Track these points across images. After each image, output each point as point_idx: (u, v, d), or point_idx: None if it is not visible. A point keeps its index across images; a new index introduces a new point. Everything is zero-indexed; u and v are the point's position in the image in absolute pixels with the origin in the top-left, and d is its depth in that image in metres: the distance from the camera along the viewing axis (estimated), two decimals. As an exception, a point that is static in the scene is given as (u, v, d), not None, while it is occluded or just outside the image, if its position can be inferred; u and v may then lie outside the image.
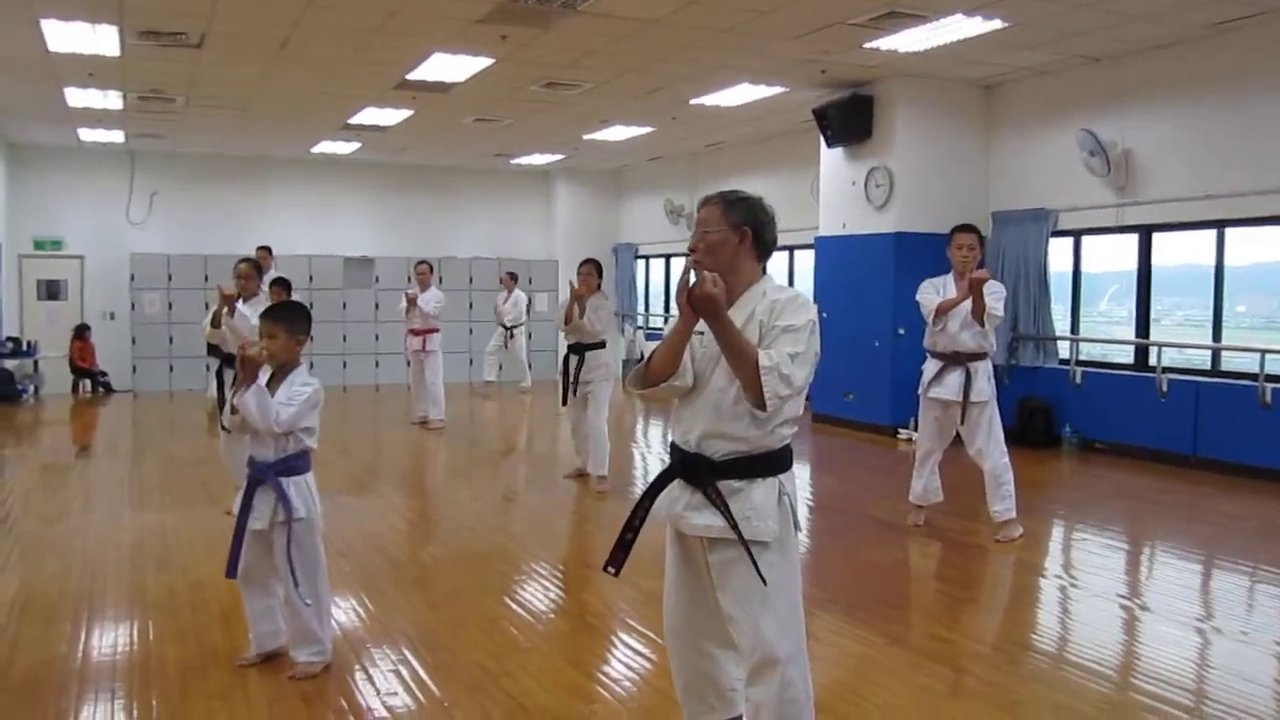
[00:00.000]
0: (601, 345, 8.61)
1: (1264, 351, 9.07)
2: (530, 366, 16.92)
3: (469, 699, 4.16)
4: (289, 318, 4.42)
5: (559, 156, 17.64)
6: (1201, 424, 9.42)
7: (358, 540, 6.76)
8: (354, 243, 18.07)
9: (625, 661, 4.66)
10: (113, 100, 12.19)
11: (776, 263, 14.75)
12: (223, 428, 5.49)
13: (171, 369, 16.40)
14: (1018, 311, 10.89)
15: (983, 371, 6.69)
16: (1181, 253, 10.22)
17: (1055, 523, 7.67)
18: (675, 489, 3.18)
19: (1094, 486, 9.05)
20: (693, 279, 2.96)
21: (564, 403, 8.80)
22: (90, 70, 10.57)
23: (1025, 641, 5.06)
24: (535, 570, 6.20)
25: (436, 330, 12.26)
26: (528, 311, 16.61)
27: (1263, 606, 5.77)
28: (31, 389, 15.35)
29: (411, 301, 12.05)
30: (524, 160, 18.00)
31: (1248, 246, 9.62)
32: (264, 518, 4.33)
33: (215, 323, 7.28)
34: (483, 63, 10.27)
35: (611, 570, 3.28)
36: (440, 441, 11.46)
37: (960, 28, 8.94)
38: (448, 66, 10.46)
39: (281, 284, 9.48)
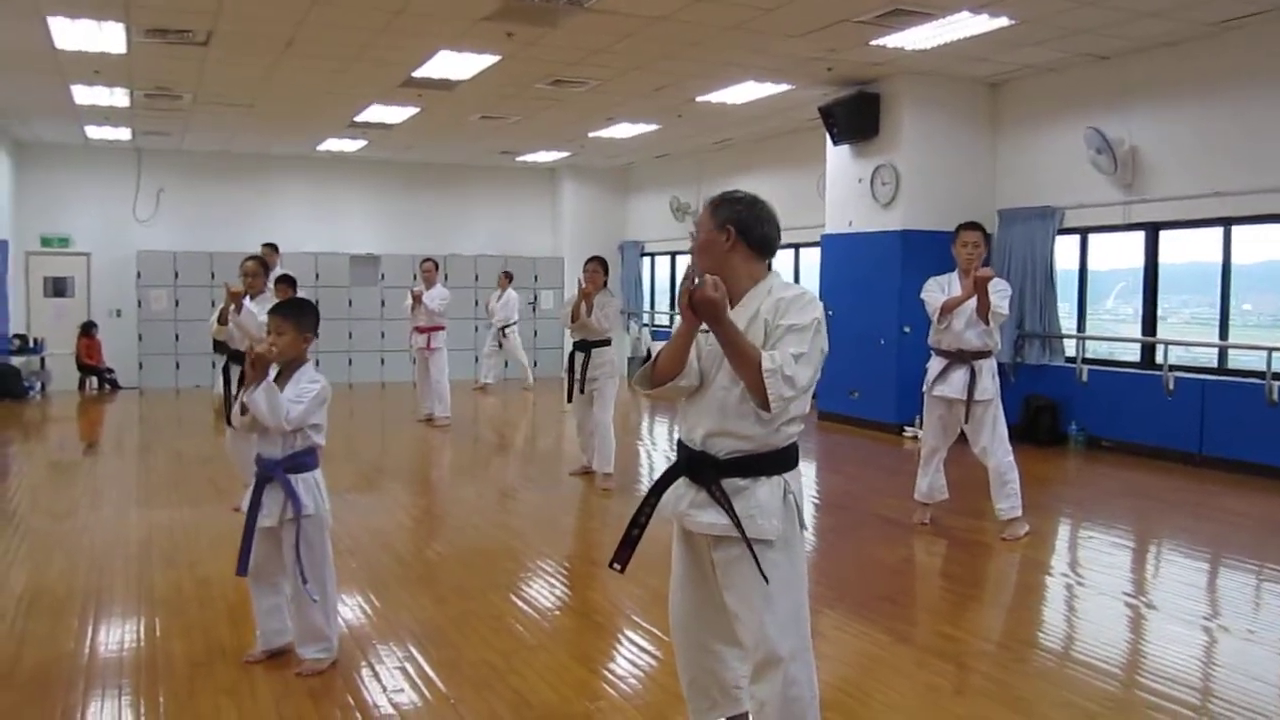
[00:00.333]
0: (607, 343, 8.62)
1: (1271, 350, 9.05)
2: (535, 364, 16.93)
3: (475, 696, 4.17)
4: (297, 314, 4.43)
5: (565, 154, 17.64)
6: (1208, 422, 9.40)
7: (364, 537, 6.78)
8: (360, 240, 18.09)
9: (631, 659, 4.66)
10: (119, 98, 12.21)
11: (783, 261, 14.79)
12: (229, 424, 5.49)
13: (178, 366, 16.43)
14: (1024, 309, 10.87)
15: (987, 370, 6.69)
16: (1188, 250, 10.20)
17: (1061, 521, 7.67)
18: (681, 486, 3.19)
19: (1100, 484, 9.04)
20: (697, 281, 2.96)
21: (569, 400, 8.80)
22: (97, 68, 10.59)
23: (1031, 639, 5.06)
24: (541, 567, 6.20)
25: (442, 328, 12.27)
26: (533, 310, 16.62)
27: (1270, 605, 5.76)
28: (38, 386, 15.40)
29: (417, 299, 12.07)
30: (530, 158, 18.01)
31: (1255, 245, 9.59)
32: (273, 515, 4.34)
33: (222, 320, 7.29)
34: (489, 60, 10.28)
35: (617, 567, 3.30)
36: (446, 439, 11.48)
37: (966, 25, 8.93)
38: (454, 64, 10.47)
39: (287, 281, 9.51)
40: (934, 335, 6.84)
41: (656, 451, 10.68)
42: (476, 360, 16.99)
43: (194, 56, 10.10)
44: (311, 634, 4.41)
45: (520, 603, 5.47)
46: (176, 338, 16.41)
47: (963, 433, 6.90)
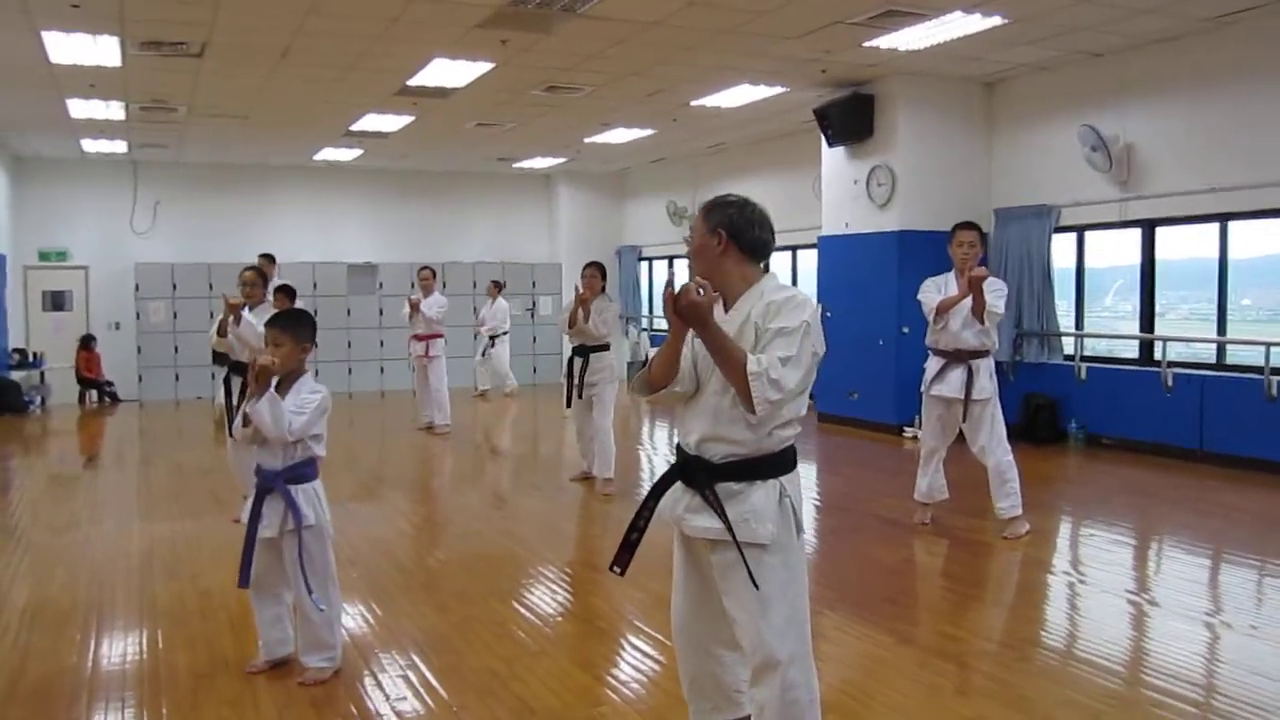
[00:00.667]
0: (606, 348, 8.62)
1: (1269, 344, 9.06)
2: (534, 370, 16.91)
3: (478, 703, 4.17)
4: (294, 325, 4.43)
5: (561, 160, 17.66)
6: (1207, 418, 9.41)
7: (365, 546, 6.77)
8: (357, 249, 18.10)
9: (633, 664, 4.66)
10: (115, 111, 12.22)
11: (780, 263, 14.82)
12: (231, 436, 5.50)
13: (177, 378, 16.43)
14: (1021, 308, 10.89)
15: (985, 369, 6.69)
16: (1186, 247, 10.21)
17: (1062, 519, 7.67)
18: (678, 490, 3.20)
19: (1100, 482, 9.04)
20: (677, 287, 2.96)
21: (568, 405, 8.80)
22: (92, 81, 10.60)
23: (1033, 638, 5.05)
24: (543, 573, 6.20)
25: (440, 335, 12.27)
26: (531, 316, 16.61)
27: (1272, 600, 5.76)
28: (38, 400, 15.39)
29: (414, 307, 12.07)
30: (526, 164, 18.02)
31: (1253, 240, 9.60)
32: (273, 525, 4.34)
33: (221, 331, 7.28)
34: (483, 67, 10.29)
35: (617, 570, 3.30)
36: (446, 446, 11.48)
37: (960, 25, 8.94)
38: (448, 72, 10.48)
39: (285, 291, 9.50)
40: (931, 335, 6.84)
41: (657, 456, 10.68)
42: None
43: (189, 69, 10.11)
44: (315, 643, 4.41)
45: (522, 609, 5.47)
46: (176, 350, 16.42)
47: (961, 432, 6.91)
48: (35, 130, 13.91)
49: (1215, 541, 6.89)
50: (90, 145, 14.91)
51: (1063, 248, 10.99)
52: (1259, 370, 9.03)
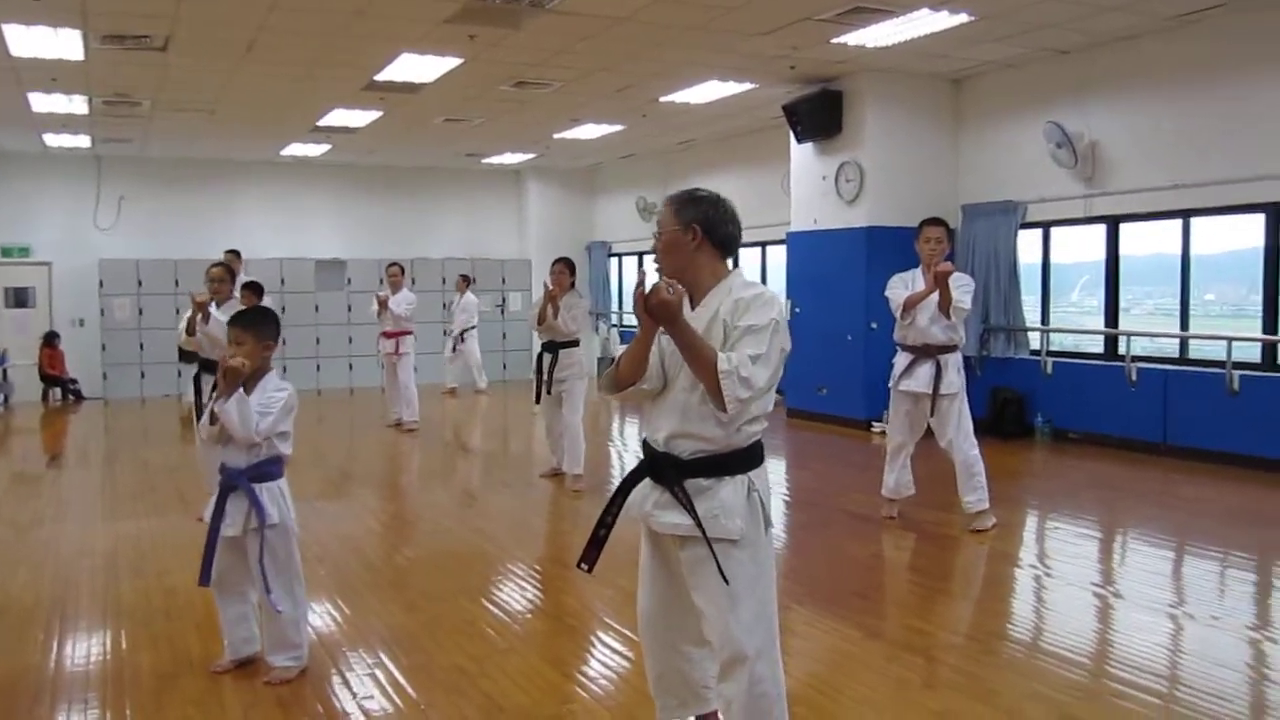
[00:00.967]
0: (575, 344, 8.61)
1: (1230, 339, 9.17)
2: (504, 367, 16.84)
3: (446, 700, 4.15)
4: (255, 323, 4.38)
5: (530, 156, 17.62)
6: (1171, 412, 9.51)
7: (333, 544, 6.74)
8: (325, 245, 17.98)
9: (603, 660, 4.66)
10: (78, 105, 12.07)
11: (749, 259, 14.85)
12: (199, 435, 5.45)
13: (143, 375, 16.27)
14: (988, 303, 10.97)
15: (953, 364, 6.72)
16: (1150, 243, 10.31)
17: (1028, 512, 7.73)
18: (646, 487, 3.19)
19: (1066, 475, 9.12)
20: (648, 285, 2.95)
21: (537, 401, 8.78)
22: (54, 75, 10.47)
23: (1000, 631, 5.09)
24: (512, 571, 6.19)
25: (410, 332, 12.21)
26: (501, 312, 16.54)
27: (1233, 591, 5.84)
28: (1, 398, 15.20)
29: (382, 304, 12.00)
30: (495, 160, 17.97)
31: (1216, 236, 9.71)
32: (237, 524, 4.31)
33: (190, 329, 7.18)
34: (451, 63, 10.24)
35: (585, 567, 3.30)
36: (415, 443, 11.43)
37: (927, 22, 8.98)
38: (416, 67, 10.43)
39: (253, 288, 9.42)
40: (899, 331, 6.87)
41: (627, 452, 10.68)
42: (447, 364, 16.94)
43: (153, 62, 10.00)
44: (281, 642, 4.38)
45: (491, 606, 5.46)
46: (141, 347, 16.25)
47: (929, 427, 6.95)
48: (-4, 124, 13.73)
49: (1178, 534, 6.97)
50: (53, 140, 14.71)
51: (1029, 244, 11.07)
52: (1221, 365, 9.14)
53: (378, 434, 12.14)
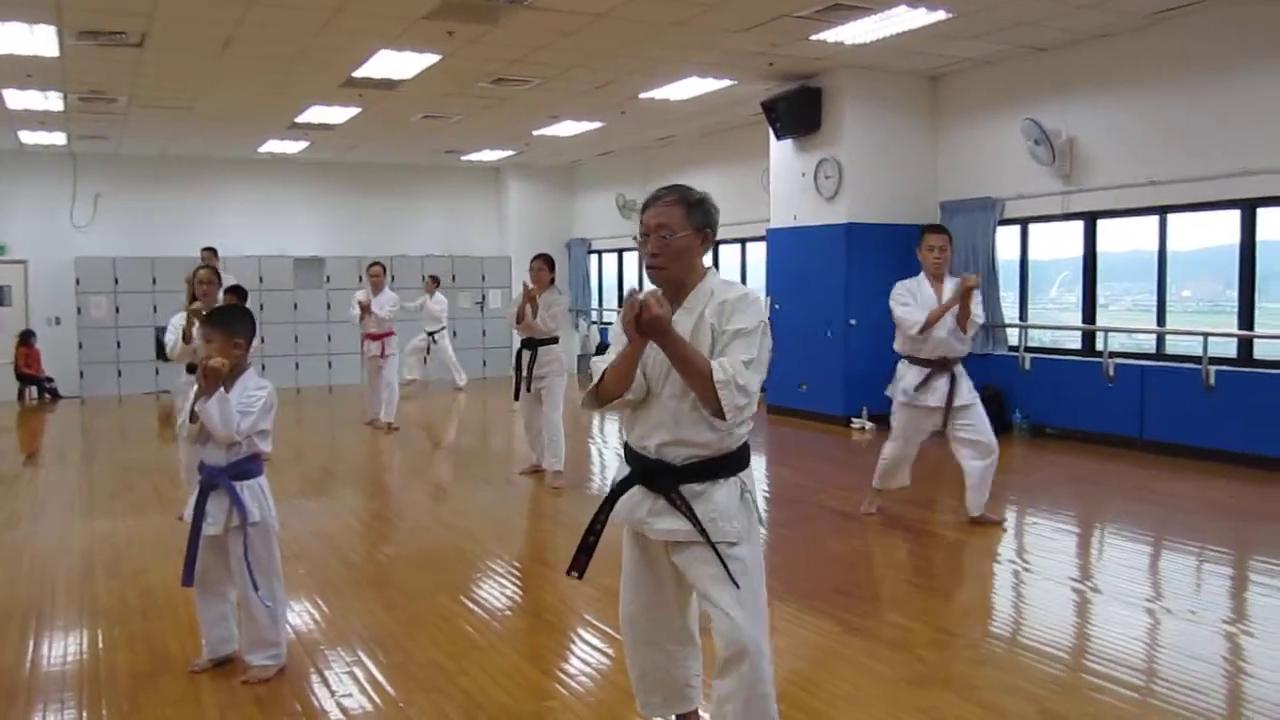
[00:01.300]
0: (555, 341, 8.59)
1: (1206, 335, 9.24)
2: (484, 364, 16.77)
3: (425, 698, 4.14)
4: (224, 321, 4.35)
5: (510, 153, 17.58)
6: (1148, 407, 9.57)
7: (312, 542, 6.71)
8: (304, 243, 17.90)
9: (583, 657, 4.65)
10: (53, 101, 11.98)
11: (729, 256, 14.87)
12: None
13: (120, 374, 16.17)
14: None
15: (964, 373, 6.65)
16: (1128, 239, 10.37)
17: (1007, 508, 7.74)
18: (636, 494, 3.14)
19: (1044, 471, 9.16)
20: (641, 299, 2.86)
21: (516, 398, 8.74)
22: (29, 71, 10.38)
23: (979, 626, 5.11)
24: (492, 568, 6.18)
25: (393, 333, 12.13)
26: (481, 309, 16.43)
27: (1210, 586, 5.88)
28: (-25, 397, 15.08)
29: (365, 309, 11.89)
30: (474, 157, 17.92)
31: (1193, 232, 9.78)
32: (219, 522, 4.28)
33: (186, 338, 6.89)
34: (430, 59, 10.21)
35: (575, 574, 3.22)
36: (394, 441, 11.39)
37: (905, 19, 9.01)
38: (394, 63, 10.39)
39: (235, 292, 9.30)
40: (910, 345, 6.65)
41: (607, 449, 10.68)
42: (425, 361, 16.88)
43: (129, 58, 9.93)
44: (259, 641, 4.36)
45: (471, 604, 5.44)
46: (118, 345, 16.15)
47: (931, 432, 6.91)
48: (-30, 121, 13.60)
49: (1156, 529, 7.02)
50: (28, 137, 14.58)
51: (1007, 240, 11.12)
52: (1197, 360, 9.20)
53: (357, 432, 12.10)
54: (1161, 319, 9.69)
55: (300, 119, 13.53)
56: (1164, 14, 9.03)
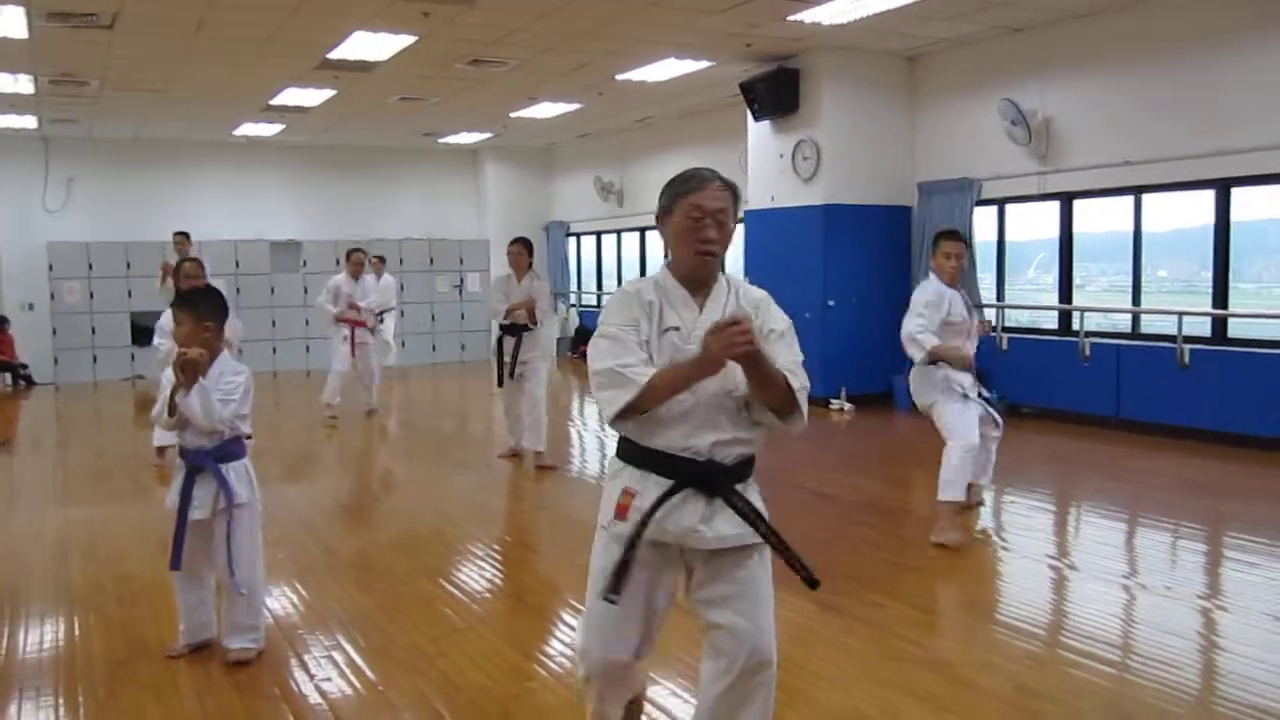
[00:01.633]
0: (538, 325, 8.58)
1: (1181, 314, 9.30)
2: (463, 347, 16.65)
3: (404, 680, 4.14)
4: (193, 304, 4.27)
5: (487, 135, 17.50)
6: (1123, 386, 9.64)
7: (292, 527, 6.68)
8: (280, 226, 17.77)
9: (562, 638, 4.65)
10: (23, 84, 11.84)
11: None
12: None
13: (95, 359, 16.06)
14: (945, 280, 11.01)
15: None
16: (1104, 220, 10.42)
17: (984, 486, 7.79)
18: (680, 502, 2.82)
19: (1021, 450, 9.19)
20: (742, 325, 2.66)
21: (499, 384, 8.69)
22: (-2, 54, 10.27)
23: (956, 603, 5.16)
24: (471, 551, 6.17)
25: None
26: (459, 293, 16.28)
27: (1185, 562, 5.94)
28: (-51, 384, 14.94)
29: (355, 310, 11.68)
30: (452, 139, 17.83)
31: (1169, 212, 9.83)
32: (205, 506, 4.26)
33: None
34: (405, 40, 10.14)
35: (613, 599, 2.84)
36: (373, 425, 11.35)
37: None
38: (369, 45, 10.31)
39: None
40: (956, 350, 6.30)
41: (587, 431, 10.67)
42: (404, 345, 16.76)
43: (100, 40, 9.82)
44: (240, 624, 4.34)
45: (450, 587, 5.44)
46: (93, 330, 16.04)
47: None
48: (-61, 105, 13.43)
49: (1131, 506, 7.08)
50: (-2, 120, 14.44)
51: (984, 221, 11.14)
52: (1172, 339, 9.26)
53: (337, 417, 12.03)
54: (1137, 299, 9.74)
55: (275, 101, 13.42)
56: (1139, -6, 9.06)
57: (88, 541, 6.45)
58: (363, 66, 11.27)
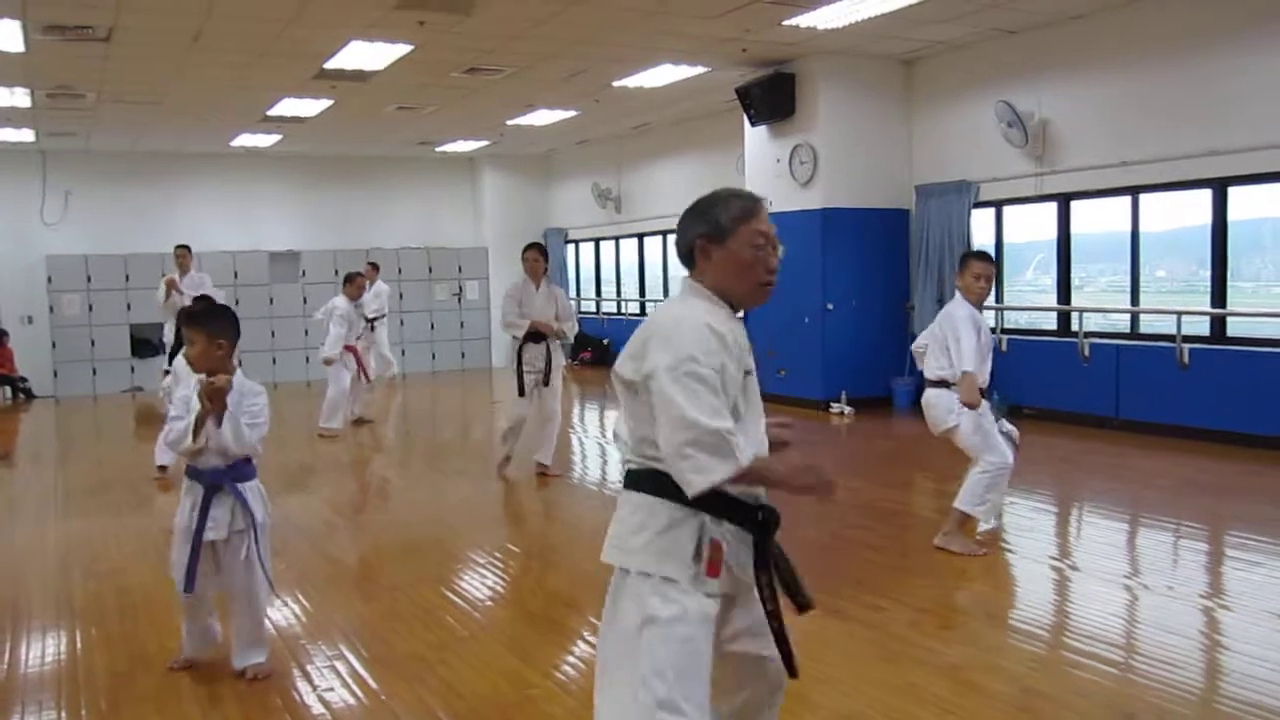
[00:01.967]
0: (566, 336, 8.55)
1: (1180, 313, 9.30)
2: (463, 355, 16.66)
3: (406, 690, 4.13)
4: (204, 319, 4.21)
5: (484, 143, 17.50)
6: (1123, 386, 9.64)
7: (293, 537, 6.66)
8: (279, 237, 17.78)
9: (564, 646, 4.65)
10: (20, 98, 11.85)
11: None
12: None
13: (94, 372, 16.05)
14: (943, 283, 11.03)
15: None
16: (1102, 220, 10.42)
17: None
18: (735, 547, 2.63)
19: (1021, 451, 9.07)
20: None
21: (521, 393, 8.35)
22: (-6, 68, 10.28)
23: (958, 605, 5.14)
24: (472, 559, 6.17)
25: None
26: (458, 301, 16.27)
27: (1186, 561, 5.94)
28: (-51, 398, 14.94)
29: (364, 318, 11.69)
30: (449, 148, 17.84)
31: (1166, 212, 9.84)
32: (222, 527, 4.19)
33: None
34: (402, 50, 10.15)
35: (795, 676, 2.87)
36: (373, 435, 11.35)
37: (877, 3, 9.02)
38: (366, 54, 10.32)
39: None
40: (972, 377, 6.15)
41: (588, 439, 10.66)
42: (404, 353, 16.77)
43: (96, 53, 9.83)
44: (254, 639, 4.32)
45: (452, 596, 5.44)
46: (92, 343, 16.04)
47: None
48: (-64, 119, 13.45)
49: (1132, 506, 7.07)
50: (-5, 134, 14.45)
51: (982, 223, 11.15)
52: (1171, 339, 9.26)
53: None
54: (1135, 299, 9.74)
55: (272, 112, 13.43)
56: (1134, -5, 9.07)
57: (88, 554, 6.44)
58: (359, 76, 11.28)
